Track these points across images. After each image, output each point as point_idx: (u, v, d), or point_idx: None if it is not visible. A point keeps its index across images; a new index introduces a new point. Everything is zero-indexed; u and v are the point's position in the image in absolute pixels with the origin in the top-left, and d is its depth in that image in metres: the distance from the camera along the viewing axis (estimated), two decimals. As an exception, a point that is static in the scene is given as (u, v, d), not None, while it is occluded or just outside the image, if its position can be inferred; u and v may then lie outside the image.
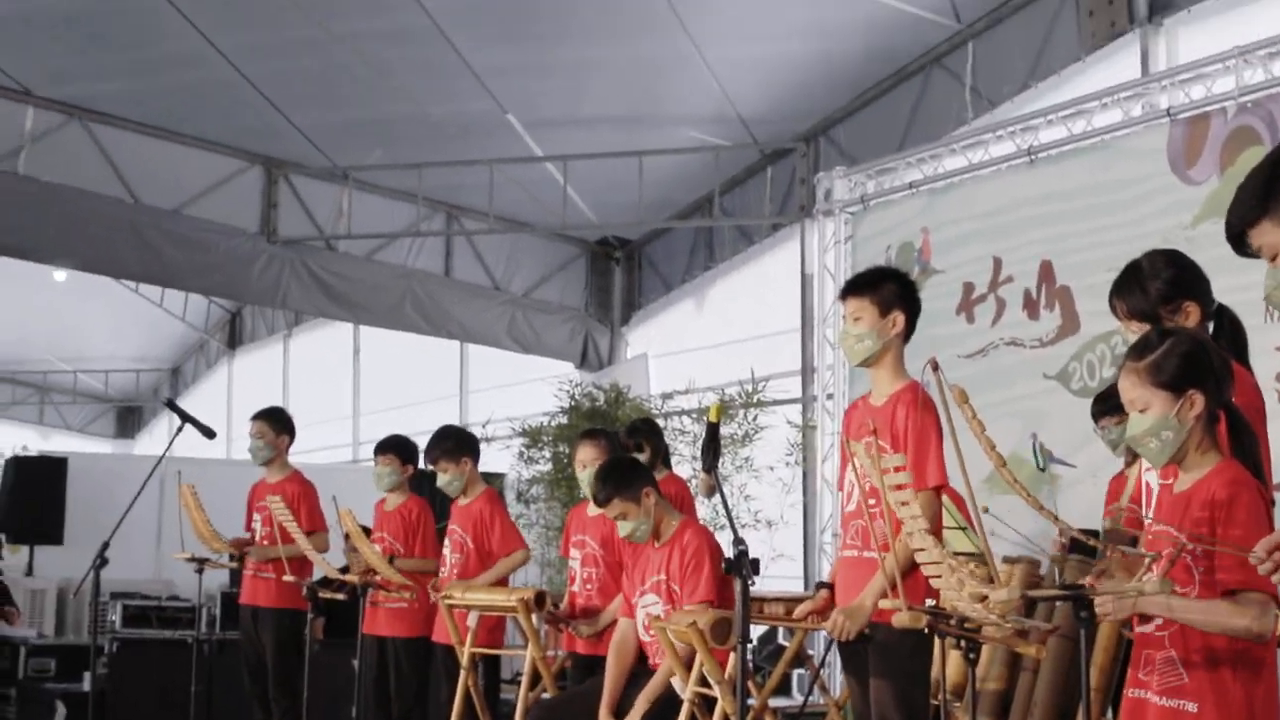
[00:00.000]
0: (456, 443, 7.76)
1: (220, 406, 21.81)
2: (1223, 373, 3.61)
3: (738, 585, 4.56)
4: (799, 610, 5.32)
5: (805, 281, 12.10)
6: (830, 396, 10.92)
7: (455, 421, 13.45)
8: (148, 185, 13.06)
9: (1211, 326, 4.24)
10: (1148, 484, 4.13)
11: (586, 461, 6.89)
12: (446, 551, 7.75)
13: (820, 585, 5.36)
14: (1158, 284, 4.20)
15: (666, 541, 5.98)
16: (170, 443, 8.43)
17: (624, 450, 7.36)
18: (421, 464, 8.36)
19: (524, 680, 6.66)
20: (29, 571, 12.65)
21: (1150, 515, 3.90)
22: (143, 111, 12.87)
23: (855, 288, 5.08)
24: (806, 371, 12.12)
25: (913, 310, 5.03)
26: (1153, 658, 3.54)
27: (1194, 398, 3.52)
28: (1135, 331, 4.24)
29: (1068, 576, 5.19)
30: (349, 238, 14.03)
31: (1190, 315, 4.16)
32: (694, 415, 12.89)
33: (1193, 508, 3.43)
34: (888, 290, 5.00)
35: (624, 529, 6.03)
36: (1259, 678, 3.39)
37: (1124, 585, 3.45)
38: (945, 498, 4.98)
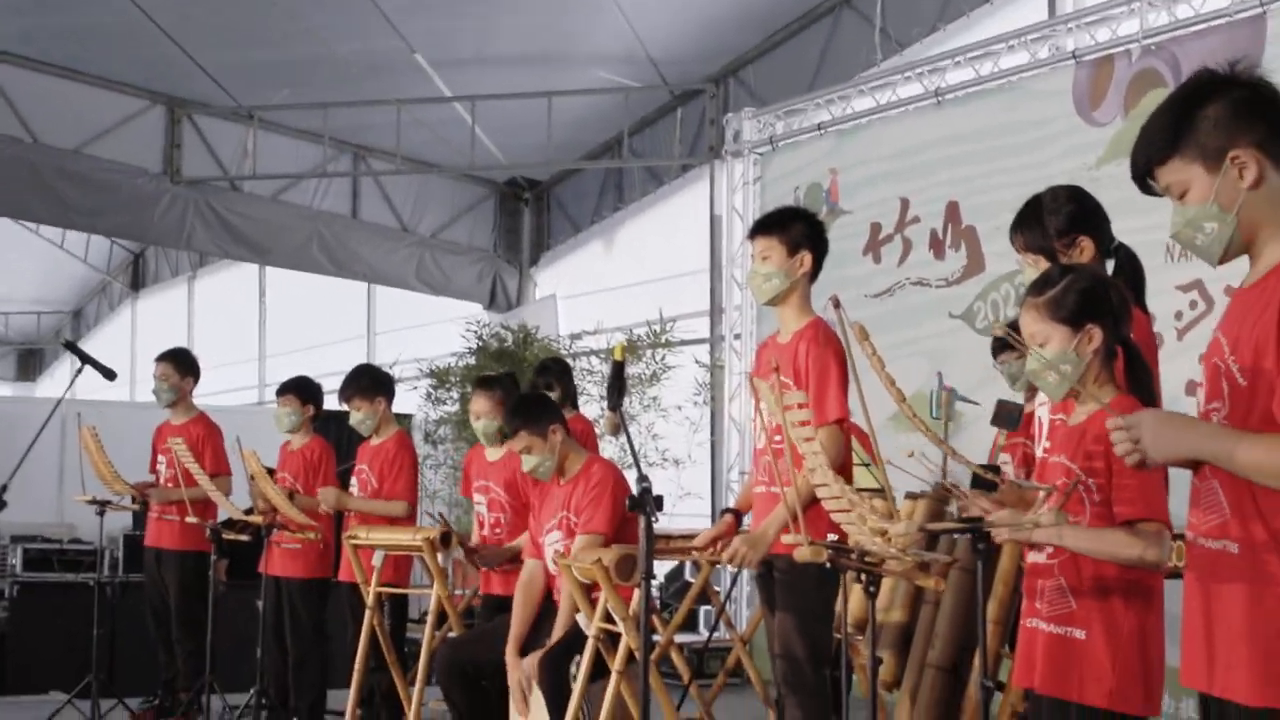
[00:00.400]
0: (372, 381, 7.70)
1: (124, 349, 21.55)
2: (1121, 310, 3.65)
3: (641, 522, 4.56)
4: (701, 538, 5.33)
5: (714, 222, 12.10)
6: (738, 337, 10.95)
7: (363, 362, 13.37)
8: (47, 124, 12.84)
9: (1111, 265, 4.28)
10: (1039, 418, 4.18)
11: (480, 412, 6.90)
12: (354, 490, 7.70)
13: (725, 511, 5.38)
14: (1056, 219, 4.24)
15: (571, 478, 5.98)
16: (70, 384, 8.32)
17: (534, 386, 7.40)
18: (329, 404, 8.29)
19: (429, 619, 6.64)
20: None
21: (1045, 447, 3.95)
22: (41, 50, 12.62)
23: (764, 227, 5.09)
24: (715, 312, 12.14)
25: (820, 250, 5.05)
26: (1043, 587, 3.58)
27: (1092, 332, 3.56)
28: (1032, 264, 4.28)
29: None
30: (254, 178, 13.88)
31: (1085, 251, 4.21)
32: (602, 355, 12.90)
33: (1086, 440, 3.47)
34: (796, 230, 5.02)
35: (528, 463, 6.03)
36: (1149, 607, 3.44)
37: (1021, 517, 3.48)
38: (853, 436, 5.02)
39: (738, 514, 5.25)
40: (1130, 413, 2.87)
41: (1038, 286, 3.68)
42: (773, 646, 4.97)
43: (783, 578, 4.85)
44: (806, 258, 5.00)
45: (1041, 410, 4.15)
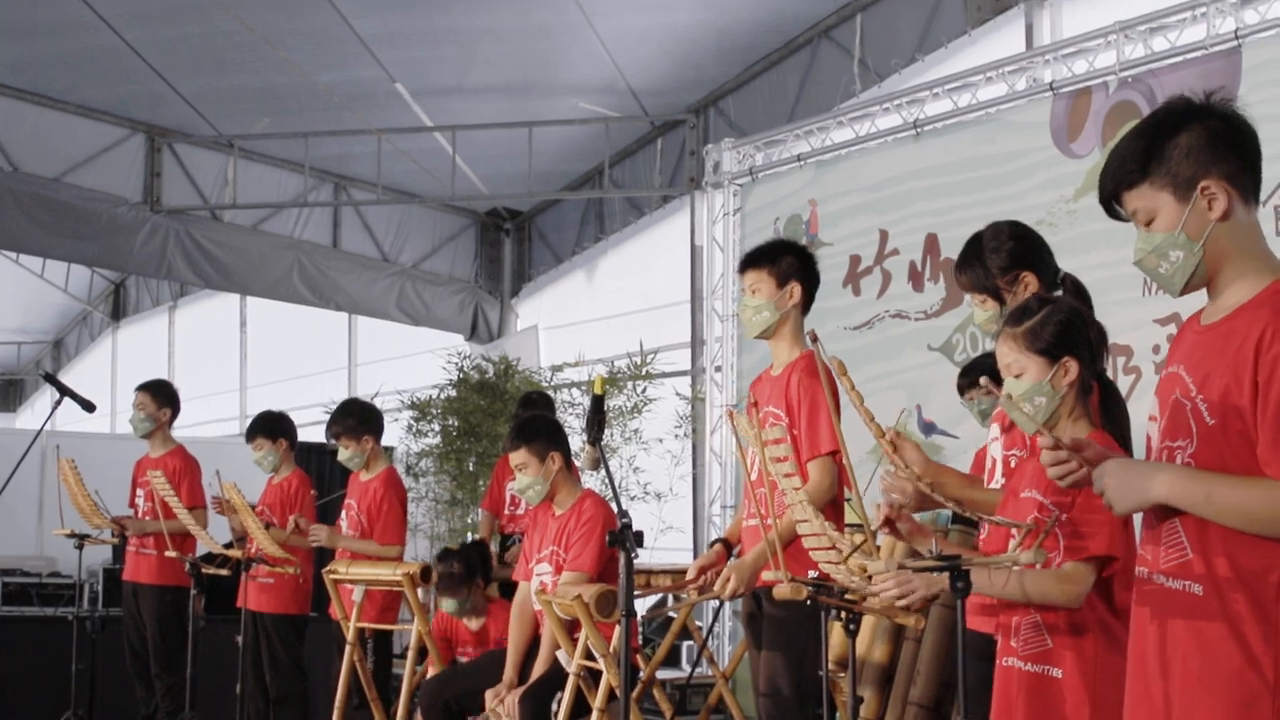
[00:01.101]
0: (359, 420, 7.68)
1: (104, 379, 21.48)
2: (1098, 343, 3.66)
3: (621, 558, 4.56)
4: (692, 568, 5.31)
5: (694, 253, 12.11)
6: (719, 369, 10.95)
7: (344, 395, 13.34)
8: (27, 153, 12.81)
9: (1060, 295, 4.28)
10: (991, 456, 4.19)
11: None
12: (343, 524, 7.68)
13: (715, 541, 5.35)
14: (998, 257, 4.23)
15: (565, 512, 5.98)
16: (49, 416, 8.31)
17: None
18: (312, 436, 8.29)
19: (410, 655, 6.63)
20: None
21: (997, 484, 3.98)
22: (21, 78, 12.60)
23: (753, 260, 5.11)
24: (696, 344, 12.15)
25: (810, 282, 5.08)
26: (1018, 624, 3.58)
27: (1068, 365, 3.57)
28: (979, 304, 4.28)
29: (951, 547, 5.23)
30: (234, 207, 13.86)
31: (1029, 286, 4.20)
32: (583, 387, 12.90)
33: None
34: (785, 262, 5.04)
35: (519, 482, 6.05)
36: (1115, 640, 3.42)
37: (1000, 557, 3.48)
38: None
39: (727, 544, 5.24)
40: (1103, 448, 2.88)
41: (1015, 317, 3.69)
42: (758, 684, 4.96)
43: (770, 616, 4.84)
44: (796, 289, 5.02)
45: (994, 447, 4.16)
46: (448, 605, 6.81)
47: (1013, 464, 4.06)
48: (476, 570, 7.09)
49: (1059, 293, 4.19)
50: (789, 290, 5.01)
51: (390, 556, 7.38)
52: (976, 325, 4.38)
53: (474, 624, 7.17)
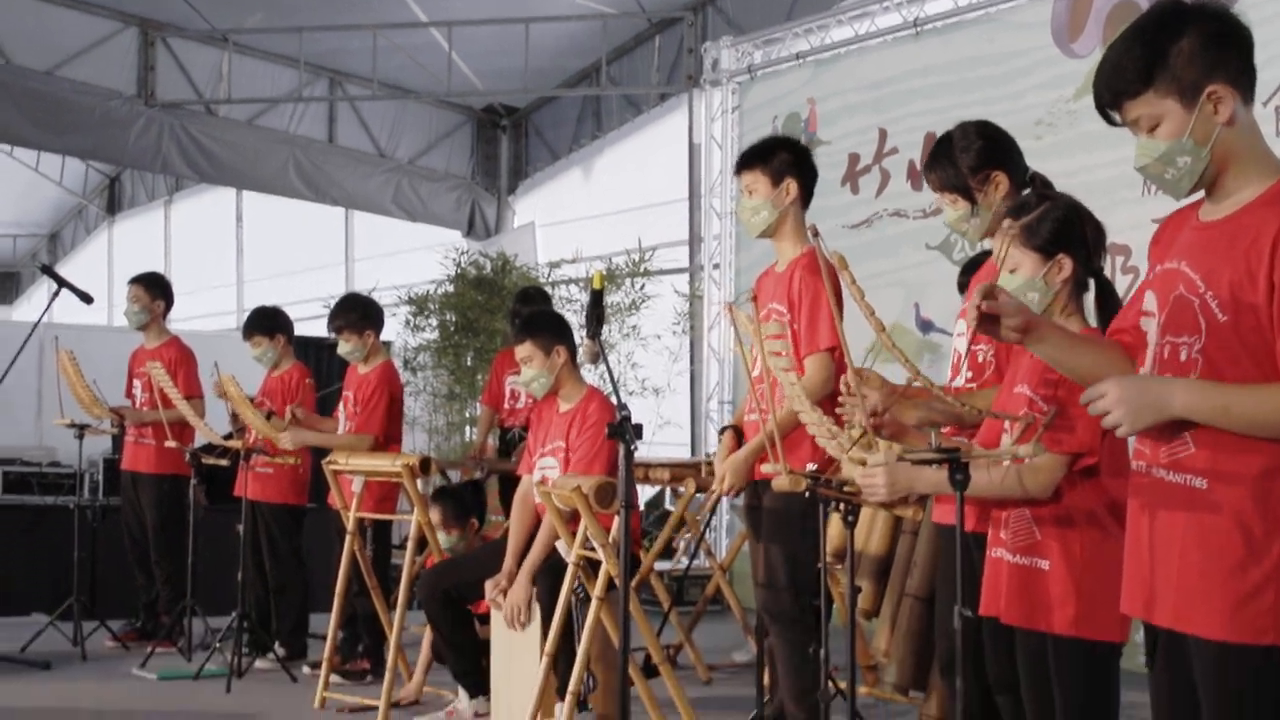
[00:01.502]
0: (361, 314, 7.69)
1: (101, 273, 21.46)
2: (1095, 242, 3.68)
3: (620, 449, 4.60)
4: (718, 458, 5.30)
5: (692, 151, 12.09)
6: (717, 266, 10.97)
7: (341, 290, 13.38)
8: (19, 45, 12.72)
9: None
10: (955, 349, 4.23)
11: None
12: (341, 416, 7.73)
13: (725, 428, 5.38)
14: (968, 156, 4.22)
15: (570, 409, 6.00)
16: (47, 308, 8.32)
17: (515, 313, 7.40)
18: (312, 330, 8.31)
19: (410, 545, 6.70)
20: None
21: (967, 378, 4.03)
22: (14, -30, 12.50)
23: (747, 160, 5.11)
24: (694, 241, 12.16)
25: (807, 177, 5.08)
26: (1007, 517, 3.63)
27: (1063, 262, 3.61)
28: (950, 204, 4.29)
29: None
30: (229, 102, 13.79)
31: (1000, 185, 4.20)
32: (581, 284, 12.92)
33: (1049, 369, 3.49)
34: (779, 160, 5.04)
35: (524, 375, 6.06)
36: (1108, 533, 3.47)
37: (998, 451, 3.54)
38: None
39: (738, 430, 5.24)
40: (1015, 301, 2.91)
41: (1014, 211, 3.72)
42: (757, 576, 5.03)
43: (769, 509, 4.90)
44: (792, 186, 5.02)
45: (959, 342, 4.19)
46: (445, 542, 6.87)
47: (980, 358, 4.09)
48: (470, 510, 7.15)
49: (1028, 191, 4.20)
50: (785, 187, 5.01)
51: (355, 445, 7.40)
52: (947, 224, 4.38)
53: None
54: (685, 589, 8.76)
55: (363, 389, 7.58)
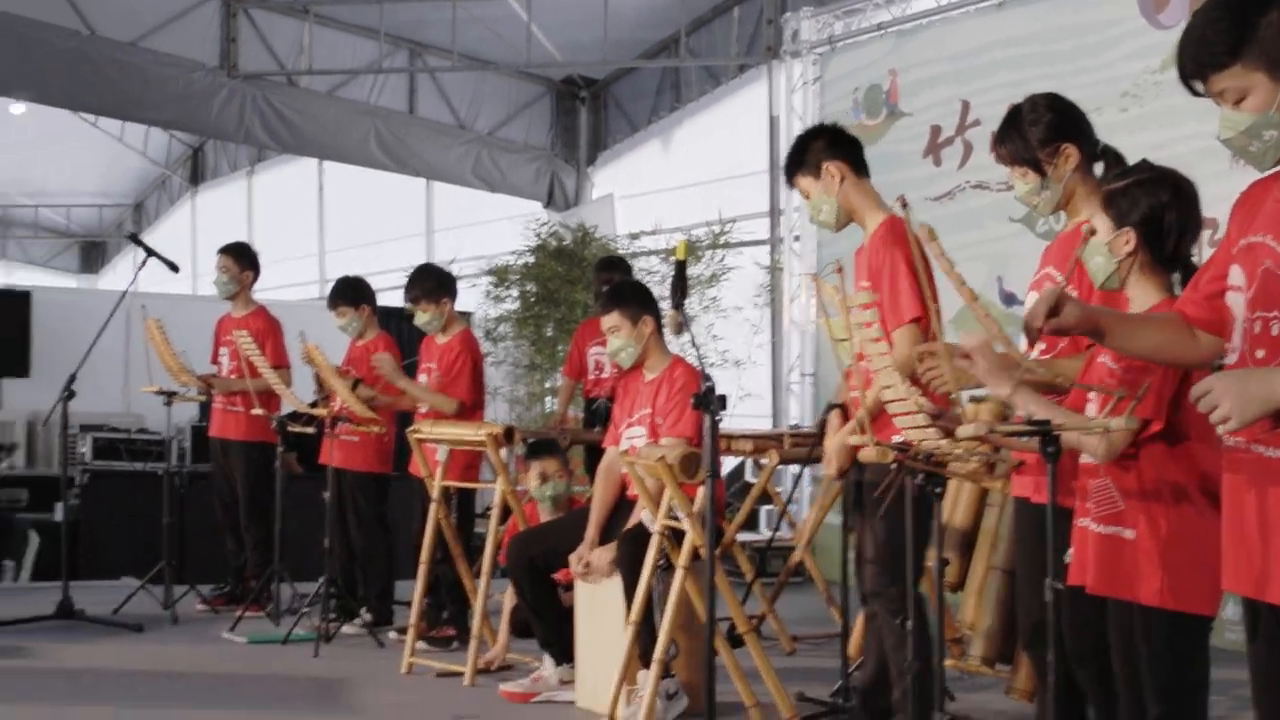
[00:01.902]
0: (436, 284, 7.76)
1: (184, 242, 21.70)
2: (1183, 225, 3.65)
3: (706, 420, 4.62)
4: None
5: (772, 123, 12.06)
6: (798, 238, 10.96)
7: (421, 260, 13.45)
8: (104, 17, 12.85)
9: (1101, 167, 4.27)
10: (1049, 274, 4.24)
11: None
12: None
13: (830, 407, 5.34)
14: (1037, 129, 4.21)
15: (656, 377, 6.04)
16: (135, 277, 8.44)
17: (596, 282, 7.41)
18: (391, 300, 8.37)
19: (494, 514, 6.76)
20: (-2, 404, 12.70)
21: (1038, 351, 4.03)
22: (101, -58, 12.63)
23: (788, 171, 5.11)
24: (774, 213, 12.14)
25: (846, 152, 5.02)
26: (1093, 486, 3.63)
27: (1128, 235, 3.62)
28: (1020, 177, 4.28)
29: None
30: (310, 73, 13.89)
31: (1070, 158, 4.19)
32: (660, 256, 12.94)
33: None
34: (813, 155, 5.00)
35: (612, 345, 6.10)
36: (1200, 506, 3.45)
37: (1091, 422, 3.54)
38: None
39: (843, 408, 5.20)
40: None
41: (1106, 180, 3.75)
42: (861, 551, 5.01)
43: (868, 484, 4.86)
44: (834, 168, 4.98)
45: (1051, 269, 4.21)
46: (550, 489, 6.92)
47: None
48: (565, 463, 7.25)
49: (1099, 164, 4.19)
50: (829, 173, 4.97)
51: (446, 409, 7.47)
52: (1018, 198, 4.38)
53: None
54: (768, 561, 8.78)
55: (445, 356, 7.65)
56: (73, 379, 7.79)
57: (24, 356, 12.54)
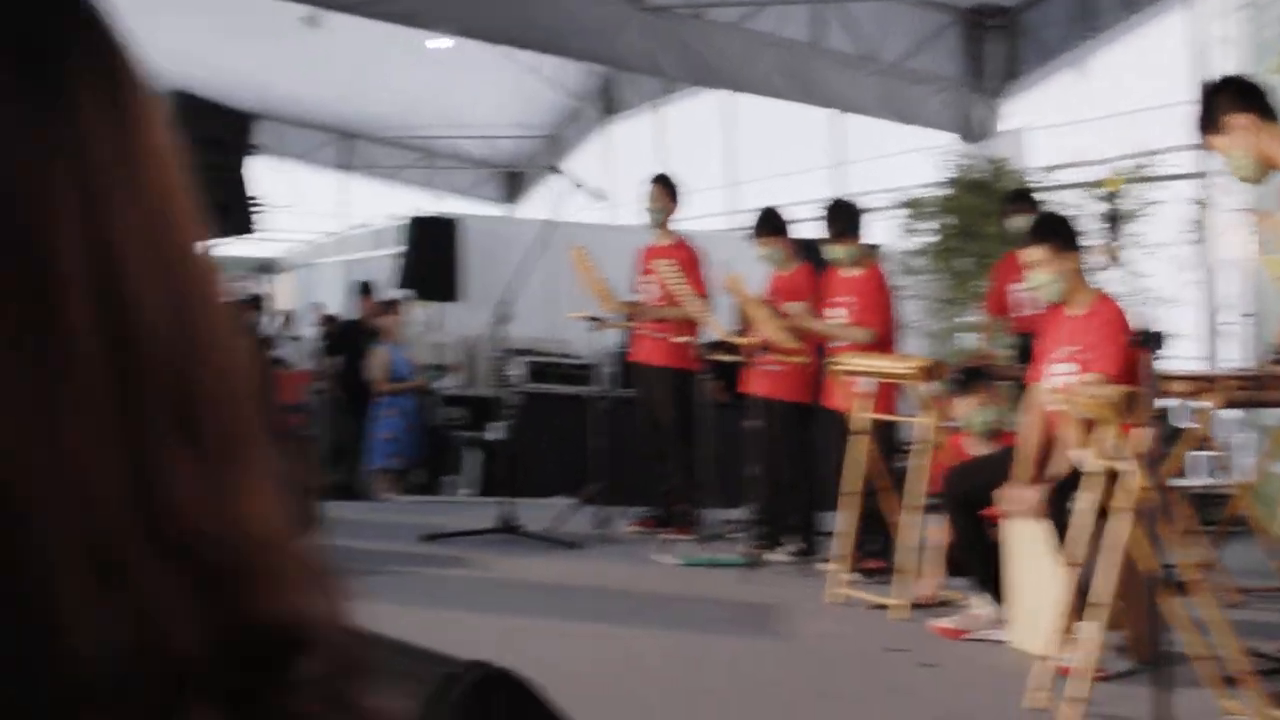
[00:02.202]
0: (848, 221, 7.84)
1: (596, 174, 22.20)
2: None
3: (1145, 359, 4.53)
4: None
5: (1198, 53, 11.56)
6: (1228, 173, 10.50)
7: (830, 193, 13.49)
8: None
9: None
10: None
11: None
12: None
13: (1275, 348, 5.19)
14: None
15: (1083, 313, 5.96)
16: (555, 206, 8.75)
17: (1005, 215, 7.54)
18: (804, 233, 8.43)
19: (919, 448, 6.77)
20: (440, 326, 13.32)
21: None
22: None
23: (1200, 128, 4.98)
24: (1200, 147, 11.64)
25: (1250, 100, 4.86)
26: None
27: None
28: None
29: None
30: (718, 5, 14.02)
31: None
32: (1079, 190, 12.59)
33: None
34: (1221, 106, 4.88)
35: (1036, 279, 6.03)
36: None
37: None
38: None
39: None
40: None
41: None
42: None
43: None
44: (1241, 120, 4.81)
45: None
46: (982, 415, 6.88)
47: None
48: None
49: None
50: (1240, 127, 4.80)
51: (861, 340, 7.51)
52: None
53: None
54: (1204, 508, 8.50)
55: (858, 290, 7.70)
56: (506, 304, 8.13)
57: (452, 282, 13.09)
